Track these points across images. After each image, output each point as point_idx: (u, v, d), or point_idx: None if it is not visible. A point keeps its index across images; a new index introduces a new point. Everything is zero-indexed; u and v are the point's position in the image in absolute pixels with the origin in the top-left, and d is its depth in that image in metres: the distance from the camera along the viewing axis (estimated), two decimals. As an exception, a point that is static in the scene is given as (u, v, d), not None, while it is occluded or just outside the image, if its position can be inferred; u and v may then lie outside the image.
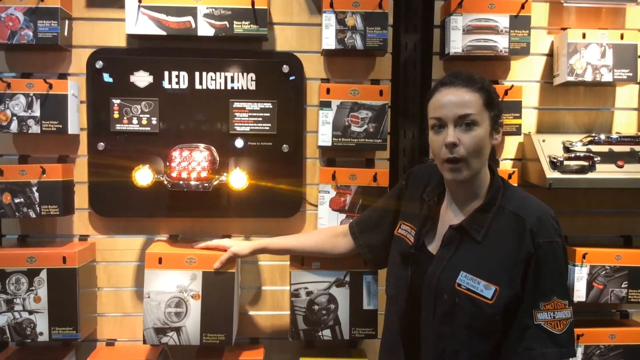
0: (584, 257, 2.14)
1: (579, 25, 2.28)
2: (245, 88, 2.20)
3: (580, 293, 2.15)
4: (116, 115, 2.17)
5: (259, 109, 2.20)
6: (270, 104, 2.20)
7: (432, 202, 1.60)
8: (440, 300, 1.45)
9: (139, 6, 2.11)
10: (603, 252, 2.17)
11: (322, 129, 2.19)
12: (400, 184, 1.81)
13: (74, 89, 2.15)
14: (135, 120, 2.17)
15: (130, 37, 2.20)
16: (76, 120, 2.17)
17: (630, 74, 2.19)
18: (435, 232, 1.57)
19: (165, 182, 2.07)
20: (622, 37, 2.19)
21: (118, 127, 2.17)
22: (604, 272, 2.15)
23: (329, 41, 2.14)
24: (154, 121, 2.17)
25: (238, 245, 2.00)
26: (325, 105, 2.18)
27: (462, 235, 1.48)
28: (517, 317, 1.42)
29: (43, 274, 2.06)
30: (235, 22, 2.12)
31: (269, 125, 2.21)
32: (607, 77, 2.17)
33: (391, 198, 1.82)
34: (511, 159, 2.31)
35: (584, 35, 2.18)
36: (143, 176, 2.08)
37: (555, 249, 1.42)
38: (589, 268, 2.14)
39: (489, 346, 1.44)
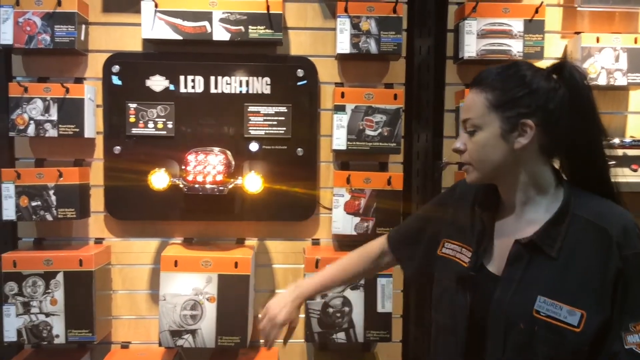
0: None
1: (593, 29, 2.28)
2: (260, 92, 2.21)
3: None
4: (132, 119, 2.18)
5: (273, 112, 2.21)
6: (284, 107, 2.21)
7: (486, 214, 1.37)
8: (513, 330, 1.23)
9: (155, 11, 2.13)
10: None
11: (336, 133, 2.20)
12: (445, 193, 1.58)
13: (91, 93, 2.17)
14: (151, 124, 2.19)
15: (146, 42, 2.21)
16: (92, 124, 2.19)
17: (644, 78, 2.20)
18: (492, 249, 1.34)
19: (181, 186, 2.09)
20: (636, 41, 2.20)
21: (134, 130, 2.19)
22: None
23: (344, 45, 2.16)
24: (170, 125, 2.19)
25: (292, 315, 1.59)
26: (340, 109, 2.19)
27: (533, 251, 1.25)
28: (602, 344, 1.20)
29: (59, 277, 2.07)
30: (250, 26, 2.14)
31: (284, 129, 2.22)
32: (620, 81, 2.17)
33: (433, 210, 1.57)
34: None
35: (597, 40, 2.18)
36: (159, 179, 2.09)
37: None
38: None
39: None
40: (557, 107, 1.24)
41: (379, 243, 1.65)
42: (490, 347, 1.26)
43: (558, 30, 2.30)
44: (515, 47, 2.15)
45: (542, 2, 2.14)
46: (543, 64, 2.19)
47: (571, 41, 2.27)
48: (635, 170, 2.15)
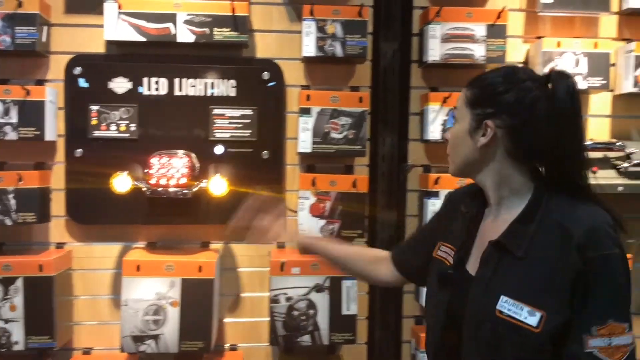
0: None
1: (554, 34, 2.32)
2: (225, 94, 2.20)
3: None
4: (94, 122, 2.15)
5: (239, 115, 2.20)
6: (250, 110, 2.21)
7: (470, 214, 1.40)
8: (482, 329, 1.25)
9: (118, 12, 2.11)
10: None
11: (302, 136, 2.20)
12: (443, 203, 1.59)
13: (52, 96, 2.13)
14: (113, 127, 2.16)
15: (109, 44, 2.19)
16: (53, 126, 2.15)
17: (604, 82, 2.24)
18: (474, 249, 1.36)
19: (144, 189, 2.06)
20: (595, 46, 2.24)
21: (96, 133, 2.15)
22: None
23: (309, 48, 2.16)
24: (133, 127, 2.16)
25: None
26: (305, 111, 2.19)
27: (502, 252, 1.27)
28: (562, 344, 1.20)
29: (19, 282, 2.03)
30: (215, 28, 2.13)
31: (249, 131, 2.21)
32: (581, 85, 2.21)
33: (431, 222, 1.62)
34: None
35: (558, 44, 2.22)
36: (121, 183, 2.06)
37: (612, 263, 1.18)
38: None
39: None
40: (529, 115, 1.23)
41: (385, 252, 1.67)
42: (465, 345, 1.28)
43: (520, 35, 2.33)
44: (478, 52, 2.18)
45: (504, 7, 2.17)
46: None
47: (533, 46, 2.31)
48: (594, 173, 2.18)
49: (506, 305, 1.22)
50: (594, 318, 1.17)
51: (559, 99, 1.23)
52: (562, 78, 1.24)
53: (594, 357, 1.16)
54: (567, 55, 2.22)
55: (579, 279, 1.17)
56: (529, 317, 1.19)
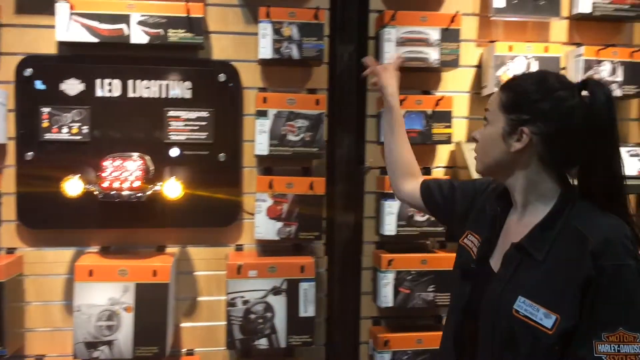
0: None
1: (507, 38, 2.37)
2: (180, 96, 2.18)
3: None
4: (45, 124, 2.11)
5: (195, 117, 2.19)
6: (206, 112, 2.19)
7: (494, 212, 1.45)
8: (499, 326, 1.30)
9: (70, 13, 2.07)
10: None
11: (258, 138, 2.19)
12: (482, 182, 1.61)
13: (2, 97, 2.08)
14: (65, 129, 2.12)
15: (61, 44, 2.15)
16: (3, 129, 2.10)
17: (555, 86, 2.29)
18: (498, 247, 1.42)
19: (96, 193, 2.03)
20: (546, 50, 2.30)
21: (47, 136, 2.11)
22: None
23: (266, 50, 2.16)
24: (85, 130, 2.13)
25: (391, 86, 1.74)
26: (262, 114, 2.19)
27: (523, 254, 1.32)
28: (571, 347, 1.23)
29: (-34, 289, 1.97)
30: (170, 30, 2.11)
31: (206, 134, 2.19)
32: (532, 88, 2.26)
33: (466, 188, 1.63)
34: (443, 167, 2.38)
35: (510, 48, 2.27)
36: (73, 187, 2.03)
37: (625, 273, 1.21)
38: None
39: None
40: (565, 124, 1.26)
41: (419, 175, 1.77)
42: (482, 337, 1.34)
43: (474, 39, 2.37)
44: (432, 55, 2.21)
45: (457, 12, 2.21)
46: (459, 71, 2.30)
47: (486, 49, 2.35)
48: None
49: (523, 305, 1.27)
50: (604, 325, 1.20)
51: (596, 108, 1.25)
52: (599, 87, 1.27)
53: None
54: (519, 59, 2.27)
55: (590, 286, 1.21)
56: (545, 319, 1.24)
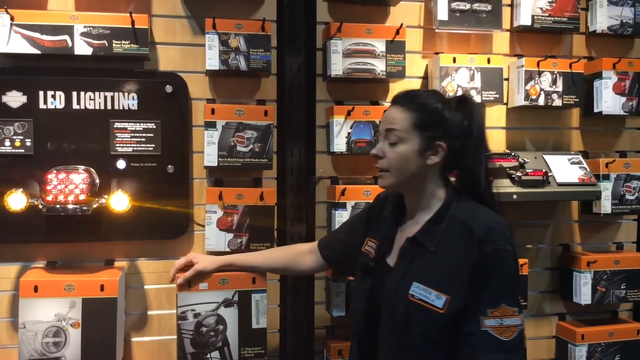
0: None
1: (451, 50, 2.43)
2: (126, 108, 2.16)
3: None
4: (-14, 137, 2.06)
5: (141, 129, 2.17)
6: (153, 124, 2.17)
7: (391, 217, 1.67)
8: (396, 310, 1.49)
9: (11, 24, 2.03)
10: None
11: (207, 149, 2.18)
12: (372, 204, 1.87)
13: (-61, 110, 2.02)
14: (7, 142, 2.07)
15: (2, 56, 2.09)
16: (-59, 142, 2.04)
17: (497, 96, 2.37)
18: (395, 246, 1.62)
19: (40, 207, 1.99)
20: (488, 61, 2.37)
21: (-12, 149, 2.06)
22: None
23: (213, 62, 2.16)
24: (28, 143, 2.08)
25: (203, 261, 1.98)
26: (211, 125, 2.19)
27: (417, 246, 1.52)
28: (462, 324, 1.43)
29: None
30: (114, 41, 2.08)
31: (153, 145, 2.17)
32: (476, 98, 2.32)
33: (360, 216, 1.90)
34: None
35: (454, 60, 2.33)
36: (16, 201, 1.98)
37: (504, 257, 1.44)
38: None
39: (443, 354, 1.45)
40: (466, 135, 1.52)
41: (308, 245, 2.02)
42: (382, 326, 1.53)
43: (419, 51, 2.43)
44: (379, 67, 2.25)
45: (402, 24, 2.25)
46: (406, 82, 2.35)
47: (431, 61, 2.41)
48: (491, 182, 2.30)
49: (417, 290, 1.47)
50: (488, 302, 1.42)
51: (478, 121, 1.54)
52: (475, 104, 1.59)
53: (488, 335, 1.40)
54: (462, 70, 2.33)
55: (477, 269, 1.43)
56: (436, 300, 1.44)
